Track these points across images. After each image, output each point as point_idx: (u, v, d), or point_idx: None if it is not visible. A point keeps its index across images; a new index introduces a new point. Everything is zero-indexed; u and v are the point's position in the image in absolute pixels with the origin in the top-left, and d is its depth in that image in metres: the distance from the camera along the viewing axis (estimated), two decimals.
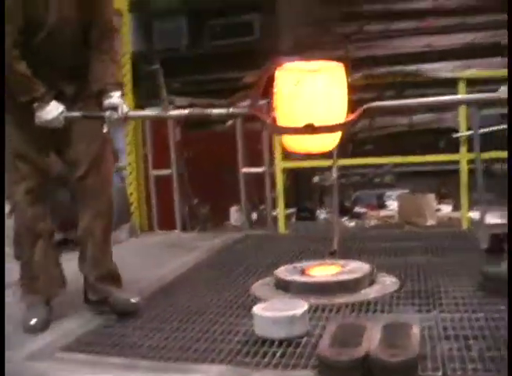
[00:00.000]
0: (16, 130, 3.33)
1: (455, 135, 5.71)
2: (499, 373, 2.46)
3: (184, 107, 3.43)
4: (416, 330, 2.64)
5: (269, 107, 3.16)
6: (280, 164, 6.04)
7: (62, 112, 3.22)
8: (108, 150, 3.63)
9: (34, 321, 3.31)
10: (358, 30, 9.43)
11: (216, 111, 3.17)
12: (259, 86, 3.09)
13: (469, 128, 5.42)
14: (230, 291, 3.87)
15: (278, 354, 2.76)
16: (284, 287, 3.72)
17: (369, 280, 3.74)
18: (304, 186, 8.22)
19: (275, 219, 6.26)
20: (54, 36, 3.27)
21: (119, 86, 3.42)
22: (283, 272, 3.88)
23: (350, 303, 3.42)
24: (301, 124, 2.87)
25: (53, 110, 3.21)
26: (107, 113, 3.27)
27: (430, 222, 6.18)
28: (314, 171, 7.94)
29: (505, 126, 5.78)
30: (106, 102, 3.32)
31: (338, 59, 3.12)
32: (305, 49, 9.61)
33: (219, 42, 9.61)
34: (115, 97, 3.32)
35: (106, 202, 3.53)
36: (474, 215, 5.54)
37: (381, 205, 7.52)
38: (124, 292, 3.53)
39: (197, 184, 7.00)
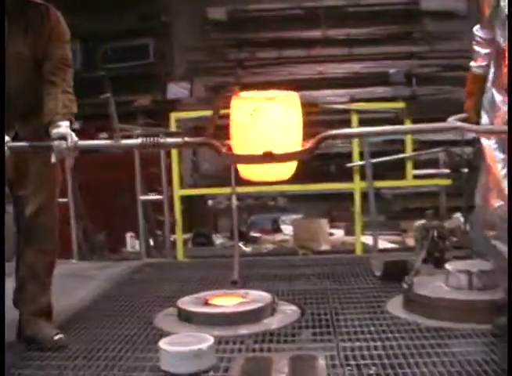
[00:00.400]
0: None
1: (348, 165, 5.90)
2: None
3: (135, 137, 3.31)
4: (321, 362, 2.71)
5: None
6: (178, 192, 6.04)
7: (7, 142, 3.07)
8: (57, 190, 3.56)
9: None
10: (250, 57, 9.59)
11: (170, 141, 3.14)
12: (215, 114, 3.06)
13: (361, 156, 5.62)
14: (133, 323, 3.83)
15: None
16: (187, 318, 3.72)
17: (271, 309, 3.81)
18: (198, 211, 8.24)
19: (172, 245, 6.26)
20: (9, 74, 3.18)
21: (69, 116, 3.31)
22: (186, 302, 3.89)
23: (253, 334, 3.47)
24: (257, 152, 2.85)
25: None
26: (55, 143, 3.14)
27: (324, 246, 6.34)
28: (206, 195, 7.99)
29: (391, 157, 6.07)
30: (54, 131, 3.21)
31: (229, 85, 3.14)
32: (198, 74, 9.76)
33: (113, 65, 9.52)
34: (63, 127, 3.22)
35: (53, 240, 3.50)
36: (367, 239, 5.74)
37: (276, 229, 7.64)
38: (52, 328, 3.48)
39: (92, 210, 6.88)
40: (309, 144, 2.92)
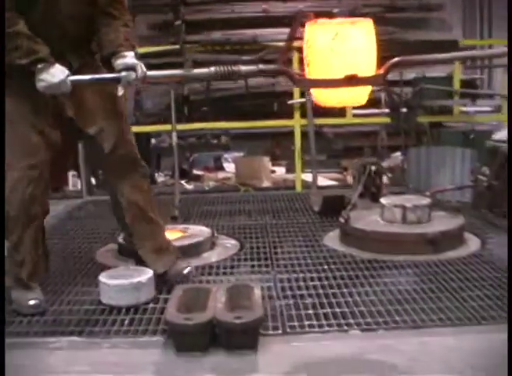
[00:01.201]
0: (24, 99, 2.97)
1: (289, 102, 5.94)
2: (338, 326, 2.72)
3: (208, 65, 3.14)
4: (257, 292, 2.79)
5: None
6: None
7: (68, 75, 2.85)
8: (128, 121, 3.39)
9: (33, 302, 3.03)
10: None
11: (245, 68, 2.97)
12: (289, 41, 3.11)
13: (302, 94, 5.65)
14: (75, 259, 3.86)
15: (126, 321, 2.82)
16: (128, 253, 3.75)
17: (211, 243, 3.88)
18: (141, 150, 8.18)
19: None
20: (59, 3, 2.95)
21: (133, 48, 3.08)
22: None
23: (193, 267, 3.53)
24: (338, 77, 2.81)
25: (59, 73, 2.83)
26: (123, 74, 2.92)
27: (266, 183, 6.42)
28: (149, 134, 7.94)
29: None
30: (120, 62, 2.98)
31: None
32: (140, 11, 9.57)
33: None
34: (129, 57, 3.00)
35: (142, 172, 3.35)
36: (307, 176, 5.83)
37: (219, 167, 7.68)
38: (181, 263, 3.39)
39: None
40: (381, 70, 2.93)
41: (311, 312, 2.88)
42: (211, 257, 3.75)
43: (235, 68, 2.89)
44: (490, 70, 9.91)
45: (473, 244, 3.93)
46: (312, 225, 4.44)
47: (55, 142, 3.09)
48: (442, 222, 3.90)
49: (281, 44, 6.94)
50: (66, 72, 2.84)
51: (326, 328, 2.72)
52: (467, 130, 6.21)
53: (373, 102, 6.47)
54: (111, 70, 3.01)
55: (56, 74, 2.81)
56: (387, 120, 5.95)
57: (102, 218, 4.90)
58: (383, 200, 4.00)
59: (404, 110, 5.31)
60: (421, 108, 6.14)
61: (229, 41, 8.39)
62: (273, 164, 7.51)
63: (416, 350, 2.51)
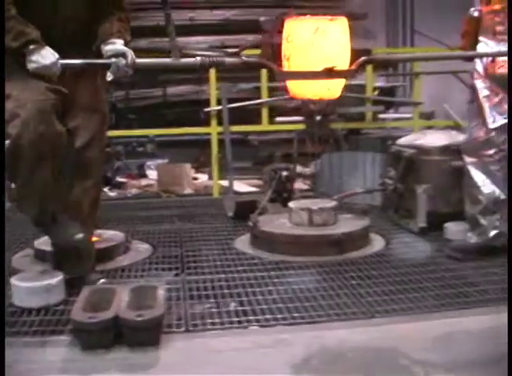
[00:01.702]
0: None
1: (206, 110, 6.11)
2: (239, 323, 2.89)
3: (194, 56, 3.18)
4: (161, 292, 2.93)
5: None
6: None
7: (58, 58, 2.88)
8: (107, 123, 3.43)
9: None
10: None
11: (229, 60, 3.07)
12: (271, 37, 3.23)
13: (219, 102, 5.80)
14: None
15: (36, 322, 2.92)
16: (42, 257, 3.84)
17: (124, 247, 3.99)
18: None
19: None
20: (60, 2, 3.04)
21: (123, 37, 3.13)
22: (43, 243, 3.99)
23: (106, 270, 3.64)
24: (315, 67, 3.01)
25: (50, 55, 2.87)
26: (114, 60, 2.96)
27: (188, 190, 6.54)
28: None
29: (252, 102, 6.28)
30: (110, 47, 3.03)
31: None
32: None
33: None
34: (119, 44, 3.06)
35: (98, 174, 3.43)
36: (226, 183, 5.98)
37: (142, 175, 7.74)
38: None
39: None
40: (354, 66, 3.13)
41: (214, 310, 3.04)
42: (124, 260, 3.86)
43: (219, 59, 3.02)
44: (411, 78, 10.27)
45: (377, 244, 4.17)
46: (225, 229, 4.61)
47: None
48: (348, 224, 4.12)
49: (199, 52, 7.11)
50: (57, 55, 2.88)
51: (228, 325, 2.88)
52: (384, 136, 6.48)
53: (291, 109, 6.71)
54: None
55: (47, 55, 2.86)
56: (300, 127, 6.13)
57: (21, 224, 4.93)
58: (291, 204, 4.19)
59: (318, 117, 5.50)
60: (338, 115, 6.39)
61: (153, 48, 8.48)
62: (197, 171, 7.64)
63: (309, 343, 2.70)
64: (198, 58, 3.04)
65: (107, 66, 3.00)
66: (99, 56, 3.12)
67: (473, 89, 3.69)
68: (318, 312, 3.00)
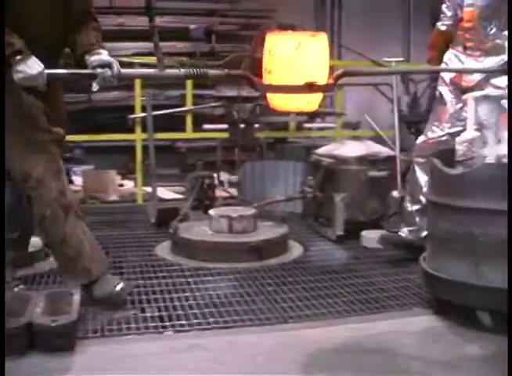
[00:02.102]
0: (33, 101, 3.05)
1: (130, 117, 6.14)
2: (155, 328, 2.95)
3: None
4: (76, 297, 2.95)
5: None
6: None
7: (44, 68, 2.85)
8: None
9: (119, 286, 3.16)
10: None
11: (213, 72, 3.13)
12: (253, 51, 3.34)
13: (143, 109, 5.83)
14: None
15: None
16: None
17: (44, 254, 3.99)
18: None
19: None
20: (36, 12, 3.04)
21: (105, 48, 3.16)
22: None
23: (24, 276, 3.64)
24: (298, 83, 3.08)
25: (36, 65, 2.85)
26: (99, 70, 2.95)
27: (113, 197, 6.54)
28: None
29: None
30: (95, 58, 3.04)
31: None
32: None
33: None
34: (104, 54, 3.06)
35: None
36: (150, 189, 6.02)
37: (68, 181, 7.67)
38: None
39: None
40: (331, 80, 3.24)
41: (131, 316, 3.09)
42: (44, 266, 3.86)
43: (203, 71, 3.05)
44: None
45: (296, 251, 4.28)
46: (147, 236, 4.66)
47: (62, 139, 3.23)
48: (267, 232, 4.22)
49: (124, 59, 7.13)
50: (42, 65, 2.86)
51: (143, 330, 2.94)
52: (309, 145, 6.61)
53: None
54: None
55: (34, 65, 2.85)
56: (224, 135, 6.23)
57: None
58: (211, 212, 4.28)
59: (242, 125, 5.62)
60: (264, 124, 6.53)
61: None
62: (123, 178, 7.64)
63: (222, 347, 2.78)
64: (183, 70, 3.10)
65: (93, 77, 3.01)
66: (79, 65, 3.16)
67: (433, 95, 3.97)
68: (233, 317, 3.09)
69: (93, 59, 3.05)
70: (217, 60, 9.33)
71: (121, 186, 7.13)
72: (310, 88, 3.12)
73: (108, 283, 3.20)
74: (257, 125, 6.15)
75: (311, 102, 3.35)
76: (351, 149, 4.57)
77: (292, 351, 2.75)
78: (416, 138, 5.24)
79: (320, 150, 4.78)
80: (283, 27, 3.42)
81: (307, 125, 7.27)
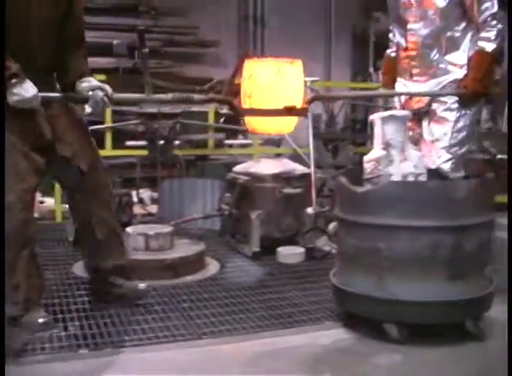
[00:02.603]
0: (14, 126, 3.00)
1: None
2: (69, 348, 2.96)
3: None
4: None
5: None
6: None
7: (38, 91, 2.93)
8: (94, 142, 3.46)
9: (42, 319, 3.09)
10: None
11: (197, 96, 3.26)
12: (234, 76, 3.40)
13: None
14: None
15: None
16: None
17: None
18: None
19: None
20: (30, 33, 3.06)
21: (93, 76, 3.28)
22: None
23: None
24: (277, 107, 3.26)
25: (31, 88, 2.92)
26: (91, 93, 3.07)
27: (34, 214, 6.45)
28: None
29: None
30: (86, 84, 3.14)
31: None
32: None
33: None
34: (93, 81, 3.18)
35: (111, 193, 3.56)
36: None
37: None
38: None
39: None
40: (305, 104, 3.40)
41: (45, 335, 3.08)
42: None
43: (189, 95, 3.21)
44: None
45: (213, 268, 4.34)
46: (65, 254, 4.65)
47: (41, 167, 3.15)
48: (183, 249, 4.27)
49: None
50: (36, 88, 2.93)
51: (57, 350, 2.94)
52: (229, 162, 6.70)
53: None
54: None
55: (29, 88, 2.92)
56: (144, 152, 6.26)
57: None
58: (128, 229, 4.30)
59: (161, 142, 5.66)
60: (184, 141, 6.59)
61: None
62: (44, 195, 7.55)
63: (135, 365, 2.82)
64: (170, 94, 3.24)
65: (85, 101, 3.13)
66: (69, 90, 3.25)
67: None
68: (147, 334, 3.13)
69: (84, 85, 3.18)
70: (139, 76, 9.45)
71: (42, 203, 7.05)
72: (289, 111, 3.31)
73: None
74: (177, 142, 6.21)
75: (288, 124, 3.56)
76: (267, 166, 4.66)
77: (205, 367, 2.81)
78: (333, 155, 5.43)
79: (236, 168, 4.86)
80: (248, 55, 3.59)
81: (228, 142, 7.35)
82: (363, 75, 10.85)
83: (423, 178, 3.32)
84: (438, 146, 3.90)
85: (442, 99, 3.88)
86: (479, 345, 3.04)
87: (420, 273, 2.95)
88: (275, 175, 4.58)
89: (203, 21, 10.02)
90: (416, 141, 3.99)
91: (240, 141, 7.72)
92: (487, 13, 3.73)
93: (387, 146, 3.30)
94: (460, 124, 3.88)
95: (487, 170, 4.60)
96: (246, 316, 3.41)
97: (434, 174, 3.47)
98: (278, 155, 4.87)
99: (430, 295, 2.95)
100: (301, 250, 4.49)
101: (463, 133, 3.90)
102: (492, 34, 3.74)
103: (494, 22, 3.73)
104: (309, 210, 4.50)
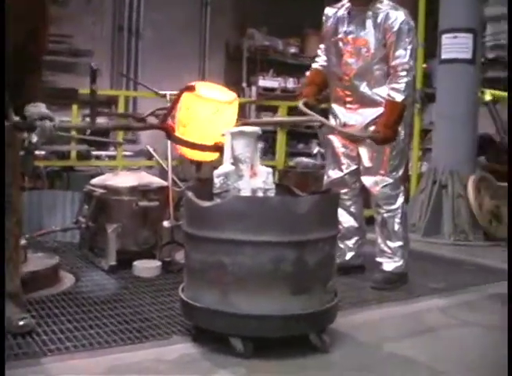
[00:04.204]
0: None
1: None
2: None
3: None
4: None
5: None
6: None
7: None
8: None
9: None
10: None
11: (136, 125, 3.43)
12: (174, 106, 3.65)
13: None
14: None
15: None
16: None
17: None
18: None
19: None
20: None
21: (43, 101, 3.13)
22: None
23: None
24: (208, 141, 3.60)
25: None
26: (39, 123, 2.96)
27: None
28: None
29: None
30: (35, 110, 3.01)
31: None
32: None
33: None
34: (43, 107, 3.05)
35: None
36: None
37: None
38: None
39: None
40: None
41: None
42: None
43: (129, 124, 3.39)
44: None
45: (67, 282, 4.22)
46: None
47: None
48: (36, 263, 4.13)
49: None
50: None
51: None
52: (95, 174, 6.57)
53: None
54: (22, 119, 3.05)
55: None
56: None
57: None
58: None
59: (21, 153, 5.47)
60: (48, 152, 6.42)
61: None
62: None
63: None
64: (110, 122, 3.51)
65: (33, 129, 3.01)
66: (17, 113, 3.08)
67: (327, 141, 4.56)
68: None
69: (33, 111, 3.06)
70: None
71: None
72: (217, 148, 3.56)
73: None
74: (41, 153, 6.04)
75: (215, 154, 3.77)
76: (123, 179, 4.60)
77: None
78: (197, 168, 5.48)
79: (93, 181, 4.77)
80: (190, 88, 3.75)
81: (94, 154, 7.23)
82: (236, 90, 10.94)
83: (271, 193, 3.35)
84: (376, 171, 4.31)
85: (371, 128, 4.23)
86: (323, 356, 3.09)
87: (264, 288, 2.97)
88: (132, 187, 4.53)
89: (77, 31, 9.85)
90: (353, 158, 4.40)
91: (106, 152, 7.59)
92: (397, 61, 4.08)
93: (236, 161, 3.32)
94: (395, 152, 4.28)
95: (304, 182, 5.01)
96: (96, 331, 3.33)
97: (283, 189, 3.52)
98: (149, 167, 4.82)
99: (273, 309, 2.98)
100: (158, 263, 4.45)
101: (397, 160, 4.33)
102: (401, 86, 4.08)
103: (403, 73, 4.07)
104: (166, 223, 4.47)
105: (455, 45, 6.42)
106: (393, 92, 4.09)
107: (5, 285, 3.10)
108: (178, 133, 3.74)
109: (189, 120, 3.69)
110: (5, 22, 2.97)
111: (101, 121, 3.43)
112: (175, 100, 3.79)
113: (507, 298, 3.15)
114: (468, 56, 6.43)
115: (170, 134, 3.63)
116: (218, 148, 3.53)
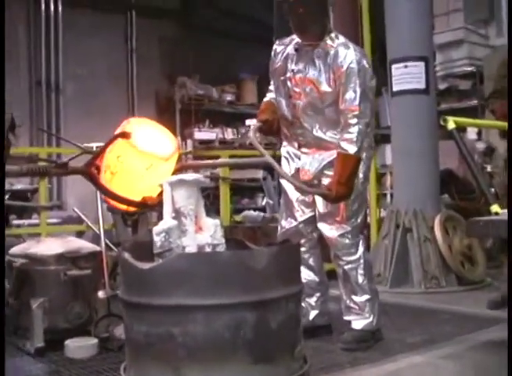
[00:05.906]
0: None
1: None
2: None
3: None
4: None
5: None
6: None
7: None
8: None
9: None
10: None
11: (55, 170, 3.39)
12: (102, 152, 3.58)
13: None
14: None
15: None
16: None
17: None
18: None
19: None
20: None
21: None
22: None
23: None
24: (134, 196, 3.55)
25: None
26: None
27: None
28: None
29: None
30: None
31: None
32: None
33: None
34: None
35: None
36: None
37: None
38: None
39: None
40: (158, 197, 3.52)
41: None
42: None
43: (46, 168, 3.37)
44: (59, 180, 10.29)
45: None
46: None
47: None
48: None
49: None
50: None
51: None
52: (17, 244, 6.26)
53: None
54: None
55: None
56: None
57: None
58: None
59: None
60: None
61: None
62: None
63: None
64: (25, 166, 3.36)
65: None
66: None
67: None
68: None
69: None
70: None
71: None
72: (144, 205, 3.58)
73: None
74: None
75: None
76: (48, 246, 4.29)
77: None
78: (133, 230, 5.26)
79: (12, 250, 4.46)
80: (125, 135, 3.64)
81: (15, 222, 6.91)
82: None
83: (221, 249, 3.14)
84: (332, 218, 4.14)
85: (329, 173, 4.08)
86: None
87: (221, 359, 2.76)
88: (58, 255, 4.21)
89: None
90: (309, 204, 4.24)
91: (28, 221, 7.27)
92: (346, 105, 3.95)
93: (178, 214, 3.09)
94: (353, 196, 4.07)
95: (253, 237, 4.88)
96: None
97: (235, 244, 3.30)
98: (80, 233, 4.56)
99: None
100: (94, 341, 4.13)
101: (356, 205, 4.16)
102: (352, 136, 3.91)
103: (354, 120, 3.93)
104: (101, 294, 4.19)
105: (406, 75, 6.37)
106: (344, 143, 3.93)
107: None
108: (104, 178, 3.61)
109: (118, 169, 3.57)
110: None
111: (13, 167, 3.24)
112: (106, 145, 3.63)
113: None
114: (421, 85, 6.37)
115: (94, 181, 3.53)
116: (146, 205, 3.50)
